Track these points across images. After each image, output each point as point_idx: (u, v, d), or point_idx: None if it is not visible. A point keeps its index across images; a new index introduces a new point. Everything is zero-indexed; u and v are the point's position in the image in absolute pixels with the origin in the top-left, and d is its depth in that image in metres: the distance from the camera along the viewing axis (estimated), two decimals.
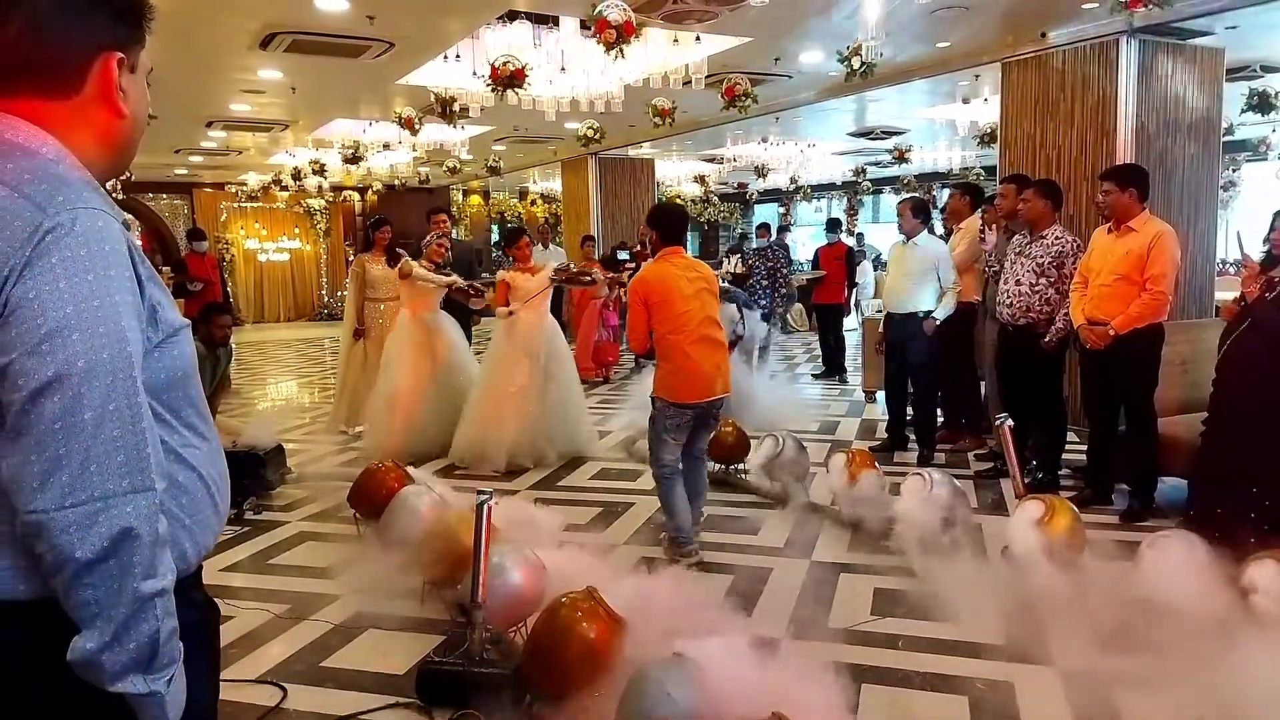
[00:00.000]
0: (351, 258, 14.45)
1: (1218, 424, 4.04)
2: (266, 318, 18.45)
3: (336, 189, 17.68)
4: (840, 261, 9.69)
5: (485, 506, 2.91)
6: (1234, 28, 6.39)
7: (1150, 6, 4.68)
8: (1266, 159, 12.90)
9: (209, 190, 17.45)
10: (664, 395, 4.05)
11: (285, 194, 17.04)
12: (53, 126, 1.16)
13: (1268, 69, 8.10)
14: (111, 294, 1.06)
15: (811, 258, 11.12)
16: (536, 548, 3.33)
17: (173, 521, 1.18)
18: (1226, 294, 5.26)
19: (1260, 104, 8.44)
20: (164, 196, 17.10)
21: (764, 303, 9.44)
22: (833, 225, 10.50)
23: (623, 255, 9.96)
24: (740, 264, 10.75)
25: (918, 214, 5.83)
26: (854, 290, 10.51)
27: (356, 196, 18.69)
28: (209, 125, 10.60)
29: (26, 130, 1.14)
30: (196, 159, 13.89)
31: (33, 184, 1.07)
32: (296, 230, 18.92)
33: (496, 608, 2.99)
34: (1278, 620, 2.98)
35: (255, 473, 5.17)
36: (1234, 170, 13.74)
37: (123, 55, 1.20)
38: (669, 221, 4.13)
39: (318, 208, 18.66)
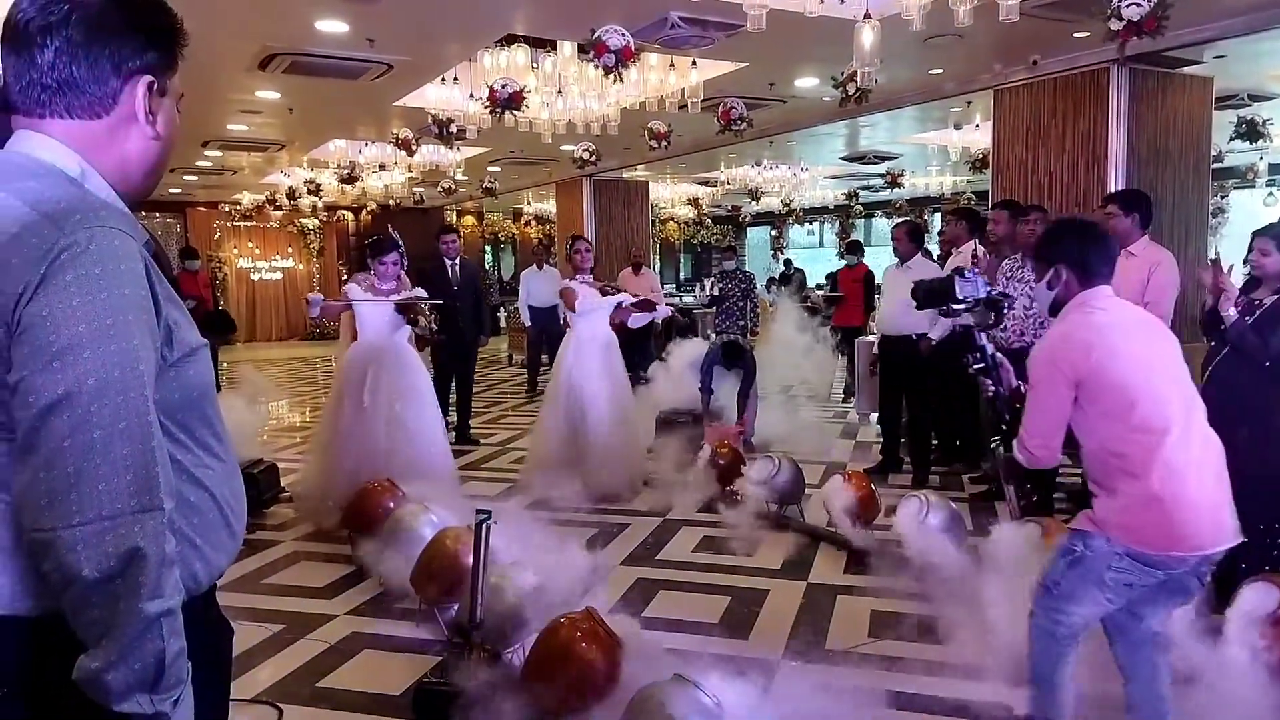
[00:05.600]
0: (345, 277, 14.45)
1: None
2: (259, 337, 18.38)
3: (331, 208, 17.69)
4: (859, 284, 9.60)
5: (484, 526, 2.91)
6: (1222, 57, 6.49)
7: (1141, 36, 4.74)
8: (1254, 186, 13.05)
9: (203, 209, 17.44)
10: (1119, 534, 2.32)
11: (279, 213, 17.04)
12: (83, 146, 1.19)
13: (1255, 97, 8.21)
14: (125, 312, 1.06)
15: (828, 280, 10.99)
16: (534, 569, 3.33)
17: (183, 541, 1.18)
18: None
19: (1248, 132, 8.57)
20: (157, 215, 17.07)
21: (741, 323, 9.45)
22: (853, 247, 10.35)
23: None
24: (714, 286, 10.70)
25: (913, 238, 5.92)
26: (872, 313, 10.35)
27: (351, 216, 18.71)
28: (205, 145, 10.60)
29: (54, 149, 1.17)
30: (191, 178, 13.88)
31: (52, 202, 1.08)
32: (290, 249, 18.91)
33: (494, 628, 2.99)
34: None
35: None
36: (1223, 197, 13.89)
37: (154, 79, 1.23)
38: (1083, 240, 2.53)
39: (311, 227, 18.67)
